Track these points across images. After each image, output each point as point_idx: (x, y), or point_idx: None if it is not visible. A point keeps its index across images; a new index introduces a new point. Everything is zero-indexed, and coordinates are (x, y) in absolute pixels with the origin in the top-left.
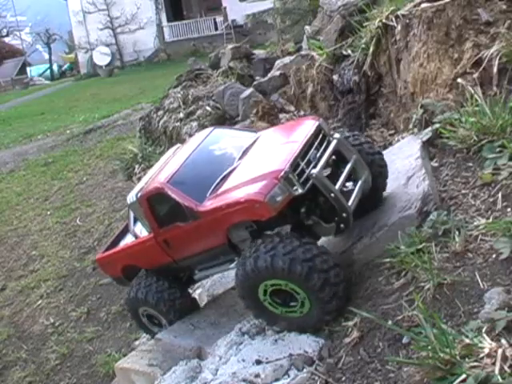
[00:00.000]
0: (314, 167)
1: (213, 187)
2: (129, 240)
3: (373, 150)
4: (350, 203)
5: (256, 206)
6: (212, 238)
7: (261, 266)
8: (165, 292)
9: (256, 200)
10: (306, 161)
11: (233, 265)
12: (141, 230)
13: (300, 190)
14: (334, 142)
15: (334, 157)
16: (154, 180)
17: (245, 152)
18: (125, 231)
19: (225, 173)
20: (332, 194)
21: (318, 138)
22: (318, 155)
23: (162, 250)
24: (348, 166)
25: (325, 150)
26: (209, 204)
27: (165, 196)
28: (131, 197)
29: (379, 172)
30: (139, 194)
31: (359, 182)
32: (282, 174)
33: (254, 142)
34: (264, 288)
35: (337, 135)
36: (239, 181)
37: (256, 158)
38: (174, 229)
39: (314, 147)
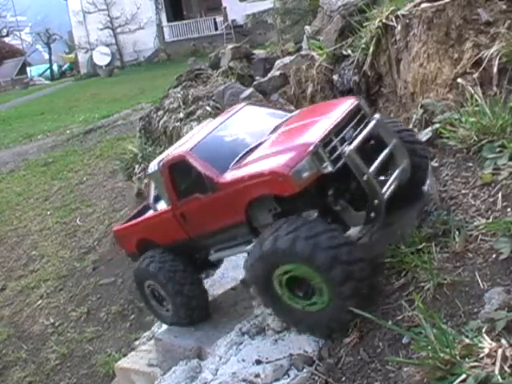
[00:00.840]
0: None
1: (237, 159)
2: (142, 216)
3: (413, 138)
4: (383, 191)
5: (279, 179)
6: (230, 214)
7: (280, 247)
8: (177, 273)
9: (280, 173)
10: (339, 138)
11: (249, 246)
12: (159, 204)
13: (329, 168)
14: (372, 122)
15: (372, 142)
16: (178, 149)
17: (276, 128)
18: (147, 208)
19: (251, 146)
20: (364, 177)
21: (356, 117)
22: (354, 135)
23: (179, 224)
24: (386, 150)
25: (362, 130)
26: (230, 175)
27: (187, 165)
28: (153, 165)
29: (419, 163)
30: (161, 163)
31: (397, 171)
32: (312, 147)
33: (288, 119)
34: (278, 277)
35: (376, 115)
36: (265, 153)
37: (286, 133)
38: (193, 201)
39: (350, 126)
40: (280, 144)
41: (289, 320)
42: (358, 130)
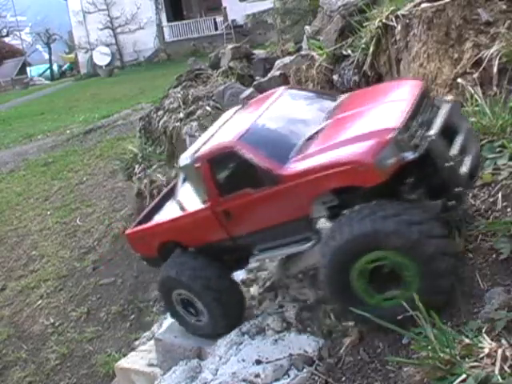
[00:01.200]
0: (427, 131)
1: (297, 148)
2: (166, 214)
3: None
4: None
5: (361, 168)
6: (291, 209)
7: (361, 232)
8: (212, 281)
9: (362, 162)
10: (416, 123)
11: (308, 245)
12: (185, 202)
13: (412, 156)
14: (447, 106)
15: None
16: (218, 139)
17: (332, 113)
18: (159, 206)
19: (310, 133)
20: (447, 164)
21: (425, 100)
22: (428, 119)
23: (219, 223)
24: (461, 135)
25: (434, 114)
26: (295, 166)
27: (235, 156)
28: (185, 158)
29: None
30: (197, 155)
31: (470, 156)
32: (395, 133)
33: (341, 103)
34: (361, 267)
35: (450, 97)
36: (334, 141)
37: (351, 119)
38: (241, 197)
39: (421, 110)
40: (349, 131)
41: (352, 315)
42: (428, 113)
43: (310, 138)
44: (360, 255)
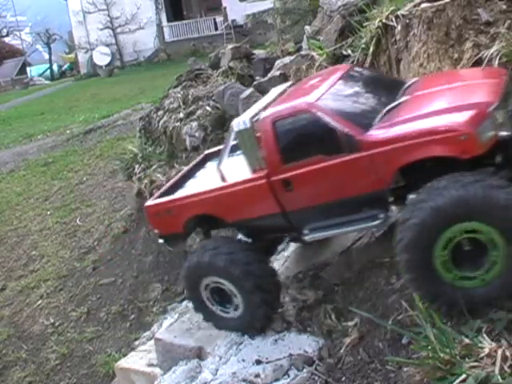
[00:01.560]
0: None
1: (380, 116)
2: (193, 188)
3: None
4: None
5: (461, 137)
6: (366, 181)
7: (459, 199)
8: (253, 265)
9: (464, 131)
10: (507, 104)
11: (375, 223)
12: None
13: (509, 134)
14: None
15: None
16: (283, 104)
17: (407, 91)
18: (183, 180)
19: (390, 105)
20: None
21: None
22: None
23: (274, 194)
24: None
25: None
26: (381, 133)
27: (309, 119)
28: (241, 122)
29: None
30: (262, 117)
31: None
32: (494, 106)
33: (415, 83)
34: (448, 237)
35: None
36: (427, 111)
37: (440, 94)
38: (310, 164)
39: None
40: (441, 103)
41: (424, 291)
42: None
43: (392, 110)
44: (451, 224)
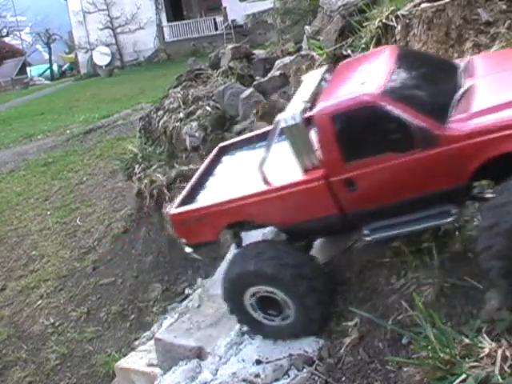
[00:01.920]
0: None
1: (453, 106)
2: (212, 194)
3: None
4: None
5: None
6: (443, 177)
7: None
8: (304, 268)
9: None
10: None
11: (448, 220)
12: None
13: None
14: None
15: None
16: (337, 95)
17: (469, 72)
18: (202, 179)
19: (461, 90)
20: None
21: None
22: None
23: (333, 195)
24: None
25: None
26: (462, 125)
27: (376, 113)
28: (290, 117)
29: None
30: (317, 112)
31: None
32: None
33: (470, 63)
34: None
35: None
36: (506, 98)
37: (510, 77)
38: (380, 162)
39: None
40: None
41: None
42: None
43: (462, 97)
44: None
